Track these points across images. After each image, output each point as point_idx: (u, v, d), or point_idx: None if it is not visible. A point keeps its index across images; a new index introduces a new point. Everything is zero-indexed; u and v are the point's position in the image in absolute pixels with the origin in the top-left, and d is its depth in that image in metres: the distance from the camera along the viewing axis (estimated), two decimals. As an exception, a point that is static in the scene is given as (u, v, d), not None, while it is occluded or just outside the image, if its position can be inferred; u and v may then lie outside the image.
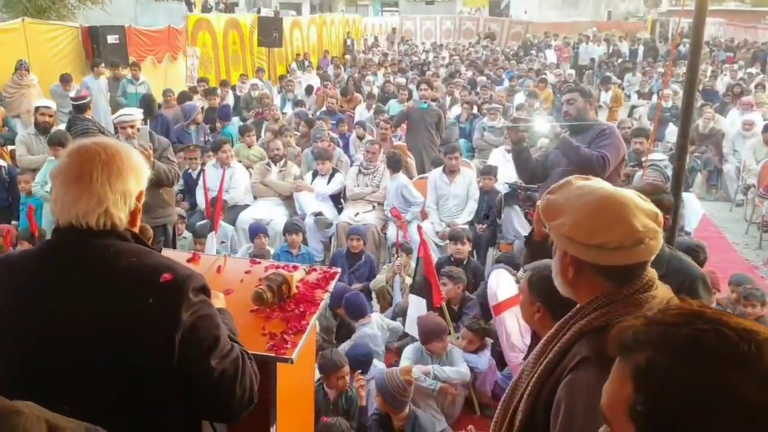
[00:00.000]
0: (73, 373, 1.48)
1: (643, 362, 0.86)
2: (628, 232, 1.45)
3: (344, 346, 4.62)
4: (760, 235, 7.73)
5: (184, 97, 10.20)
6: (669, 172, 5.57)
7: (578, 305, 1.58)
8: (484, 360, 4.39)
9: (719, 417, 0.78)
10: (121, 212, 1.55)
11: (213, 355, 1.54)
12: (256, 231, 5.97)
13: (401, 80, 14.59)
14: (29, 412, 0.96)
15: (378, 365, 4.35)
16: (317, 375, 3.77)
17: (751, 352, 0.81)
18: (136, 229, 1.65)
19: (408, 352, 4.37)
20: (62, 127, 7.14)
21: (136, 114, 5.14)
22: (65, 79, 9.62)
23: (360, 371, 4.06)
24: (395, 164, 6.74)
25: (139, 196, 1.61)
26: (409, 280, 5.27)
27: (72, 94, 9.49)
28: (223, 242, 6.05)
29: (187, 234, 6.17)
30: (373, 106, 11.04)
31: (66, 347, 1.48)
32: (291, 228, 5.93)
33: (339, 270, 2.61)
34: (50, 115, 6.65)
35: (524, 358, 2.67)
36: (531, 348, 2.24)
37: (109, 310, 1.48)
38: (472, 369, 4.26)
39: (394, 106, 10.64)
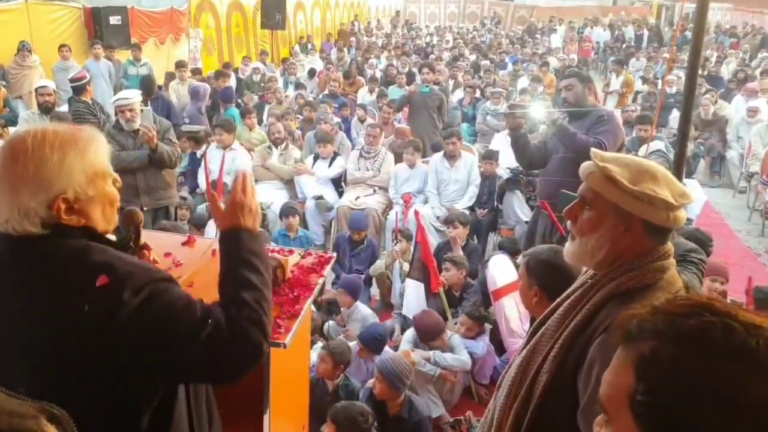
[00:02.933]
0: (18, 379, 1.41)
1: (647, 351, 0.84)
2: (689, 195, 1.61)
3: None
4: (763, 222, 7.71)
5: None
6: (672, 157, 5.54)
7: (604, 271, 1.66)
8: (482, 345, 4.39)
9: (721, 411, 0.77)
10: (25, 225, 1.44)
11: (177, 346, 1.43)
12: None
13: (405, 59, 14.55)
14: None
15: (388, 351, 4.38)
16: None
17: (759, 349, 0.79)
18: (99, 223, 1.54)
19: (408, 335, 4.37)
20: (65, 107, 7.14)
21: (134, 97, 5.12)
22: (63, 50, 9.63)
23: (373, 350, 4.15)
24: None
25: (51, 204, 1.45)
26: (407, 267, 5.27)
27: (70, 63, 9.54)
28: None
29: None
30: (376, 89, 10.99)
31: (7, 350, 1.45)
32: (287, 211, 5.93)
33: (334, 255, 2.60)
34: (49, 94, 6.65)
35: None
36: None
37: (46, 320, 1.41)
38: (470, 355, 4.26)
39: (394, 91, 10.60)
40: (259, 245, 1.63)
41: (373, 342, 4.22)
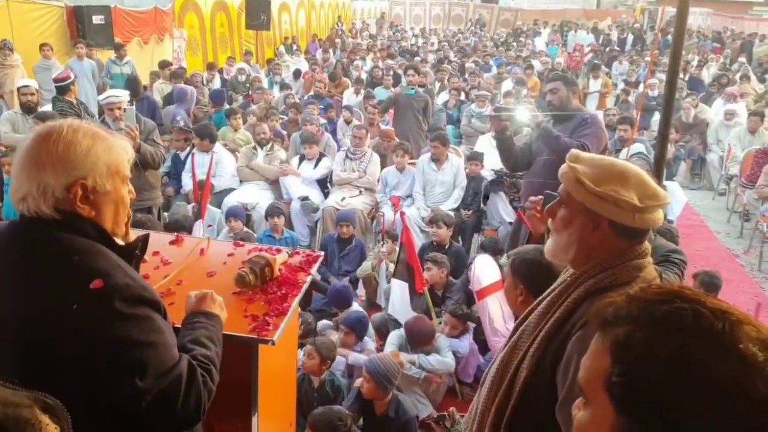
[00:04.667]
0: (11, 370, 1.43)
1: (621, 336, 0.88)
2: (663, 198, 1.62)
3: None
4: (742, 224, 7.83)
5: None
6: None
7: (582, 268, 1.69)
8: (465, 344, 4.43)
9: (690, 390, 0.81)
10: (40, 204, 1.48)
11: (144, 375, 1.46)
12: (231, 214, 5.85)
13: (391, 63, 14.56)
14: None
15: (369, 342, 4.39)
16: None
17: (724, 331, 0.84)
18: (108, 222, 1.59)
19: (393, 338, 4.38)
20: (48, 106, 7.10)
21: (123, 96, 5.12)
22: (44, 49, 9.54)
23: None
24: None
25: (70, 187, 1.50)
26: (392, 267, 5.30)
27: (51, 62, 9.47)
28: (210, 225, 6.04)
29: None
30: (362, 91, 11.01)
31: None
32: (272, 211, 5.91)
33: (322, 253, 2.62)
34: (32, 94, 6.61)
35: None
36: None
37: (35, 310, 1.44)
38: (454, 353, 4.30)
39: (380, 93, 10.63)
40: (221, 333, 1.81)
41: (356, 324, 4.28)
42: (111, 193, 1.57)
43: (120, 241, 1.64)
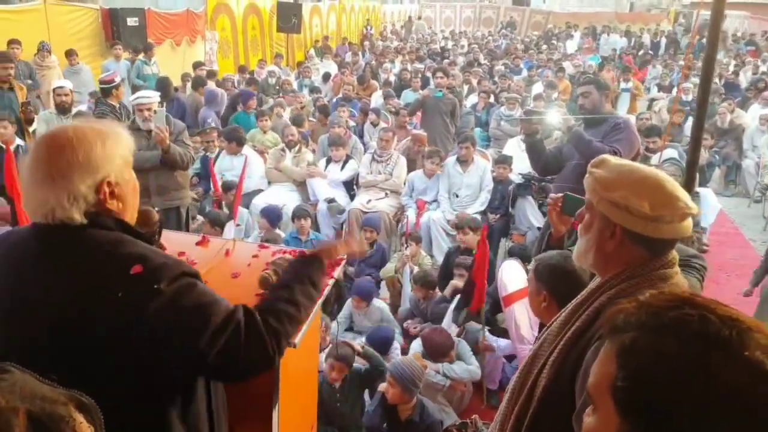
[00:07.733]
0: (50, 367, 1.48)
1: (628, 341, 0.89)
2: (682, 208, 1.55)
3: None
4: (777, 232, 7.65)
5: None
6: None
7: (606, 277, 1.65)
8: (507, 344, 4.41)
9: (694, 396, 0.81)
10: (71, 212, 1.49)
11: (203, 335, 1.50)
12: (267, 214, 5.91)
13: (419, 66, 14.52)
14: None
15: (397, 348, 4.39)
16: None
17: (732, 338, 0.83)
18: (128, 215, 1.62)
19: (416, 345, 4.36)
20: (82, 107, 7.23)
21: (153, 97, 5.18)
22: (70, 57, 9.71)
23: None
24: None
25: (98, 188, 1.53)
26: (417, 270, 5.27)
27: (79, 66, 9.64)
28: (238, 225, 6.08)
29: (199, 217, 6.20)
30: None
31: (39, 339, 1.48)
32: (299, 213, 5.94)
33: (345, 257, 2.61)
34: (66, 95, 6.72)
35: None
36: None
37: (81, 304, 1.46)
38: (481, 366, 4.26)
39: (408, 95, 10.61)
40: (322, 280, 1.85)
41: (378, 343, 4.26)
42: (129, 181, 1.63)
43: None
